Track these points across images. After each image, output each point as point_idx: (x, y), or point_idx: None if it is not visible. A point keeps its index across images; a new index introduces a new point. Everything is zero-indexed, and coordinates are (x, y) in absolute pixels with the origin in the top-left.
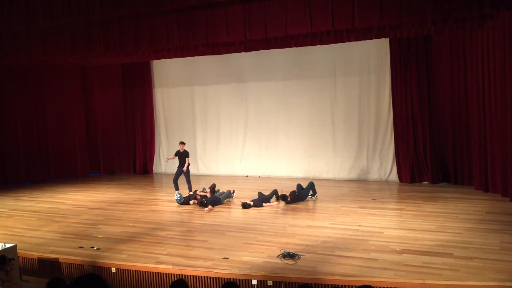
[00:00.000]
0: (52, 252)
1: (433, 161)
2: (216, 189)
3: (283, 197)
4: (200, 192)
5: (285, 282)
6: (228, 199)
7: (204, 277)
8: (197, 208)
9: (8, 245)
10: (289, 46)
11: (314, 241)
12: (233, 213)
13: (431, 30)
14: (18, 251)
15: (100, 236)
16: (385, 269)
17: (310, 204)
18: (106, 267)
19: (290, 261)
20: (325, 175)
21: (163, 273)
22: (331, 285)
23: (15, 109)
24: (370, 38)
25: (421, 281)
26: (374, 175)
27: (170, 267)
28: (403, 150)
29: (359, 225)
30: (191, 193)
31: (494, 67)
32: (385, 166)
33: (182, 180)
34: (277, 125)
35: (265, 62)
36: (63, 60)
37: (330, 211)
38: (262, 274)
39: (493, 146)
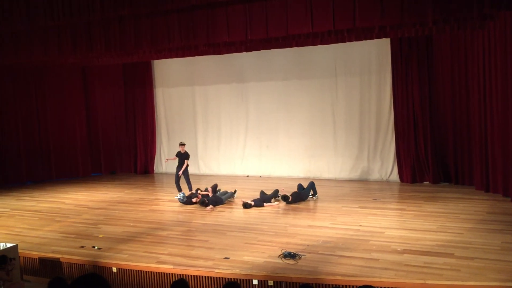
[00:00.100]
0: (53, 252)
1: (434, 161)
2: (217, 188)
3: (284, 198)
4: (202, 191)
5: (286, 282)
6: (230, 199)
7: (205, 277)
8: (198, 208)
9: (9, 245)
10: (290, 46)
11: (315, 241)
12: (234, 213)
13: (432, 30)
14: (19, 250)
15: (101, 235)
16: (386, 269)
17: (311, 204)
18: (107, 267)
19: (291, 261)
20: (326, 175)
21: (164, 273)
22: (332, 285)
23: (16, 109)
24: (371, 38)
25: (422, 281)
26: (375, 175)
27: (171, 267)
28: (404, 150)
29: (360, 225)
30: (193, 191)
31: (495, 67)
32: (386, 166)
33: (182, 180)
34: (278, 125)
35: (266, 62)
36: (64, 60)
37: (331, 211)
38: (263, 274)
39: (494, 146)
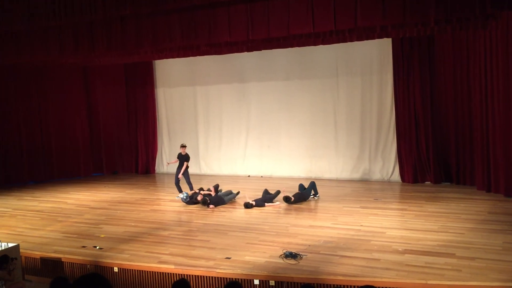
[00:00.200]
0: (54, 252)
1: (435, 161)
2: (219, 189)
3: (286, 199)
4: (204, 191)
5: (287, 282)
6: (232, 200)
7: (206, 277)
8: (199, 207)
9: (10, 245)
10: (292, 46)
11: (316, 241)
12: (235, 213)
13: (434, 29)
14: (21, 250)
15: (102, 235)
16: (387, 269)
17: (312, 204)
18: (109, 267)
19: (292, 261)
20: (327, 175)
21: (165, 273)
22: (333, 285)
23: (18, 109)
24: (373, 38)
25: (423, 281)
26: (376, 175)
27: (172, 266)
28: (406, 150)
29: (361, 225)
30: (196, 191)
31: (497, 67)
32: (387, 166)
33: (182, 181)
34: (279, 125)
35: (267, 62)
36: (65, 60)
37: (332, 211)
38: (264, 274)
39: (495, 146)
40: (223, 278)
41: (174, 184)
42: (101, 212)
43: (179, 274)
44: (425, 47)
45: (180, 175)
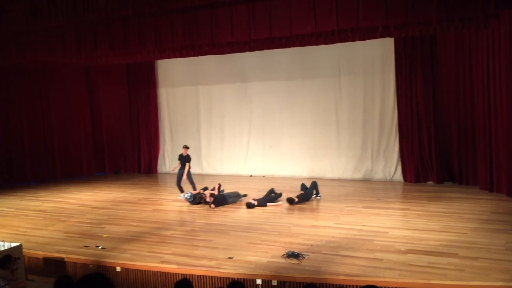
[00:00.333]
0: (57, 252)
1: (438, 161)
2: (221, 189)
3: (290, 201)
4: (209, 190)
5: (290, 282)
6: (235, 201)
7: (209, 276)
8: (202, 207)
9: (13, 244)
10: (294, 45)
11: (319, 241)
12: (237, 213)
13: (436, 29)
14: (24, 250)
15: (105, 235)
16: (389, 269)
17: (314, 203)
18: (111, 267)
19: (294, 261)
20: (329, 174)
21: (168, 273)
22: (336, 285)
23: (21, 108)
24: (375, 37)
25: (426, 281)
26: (378, 174)
27: (175, 266)
28: (408, 150)
29: (364, 225)
30: (201, 191)
31: (500, 67)
32: (389, 166)
33: (183, 181)
34: (281, 125)
35: (269, 62)
36: (68, 60)
37: (335, 211)
38: (267, 274)
39: (498, 146)
40: (226, 277)
41: (175, 184)
42: (104, 212)
43: (181, 273)
44: (427, 46)
45: (184, 176)
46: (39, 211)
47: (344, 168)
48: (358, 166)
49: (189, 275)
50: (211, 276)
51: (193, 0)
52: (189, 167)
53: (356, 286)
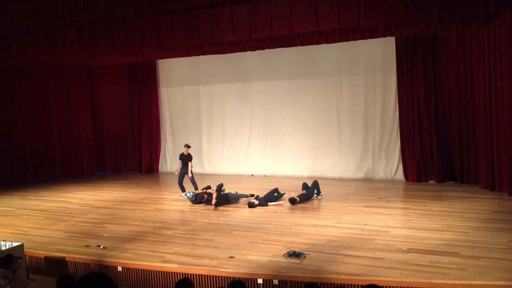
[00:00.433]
0: (58, 251)
1: (439, 160)
2: (222, 188)
3: (292, 201)
4: (210, 190)
5: (291, 281)
6: (236, 200)
7: (210, 276)
8: (203, 207)
9: (15, 244)
10: (295, 45)
11: (320, 240)
12: (238, 212)
13: (437, 28)
14: (25, 250)
15: (106, 235)
16: (391, 268)
17: (315, 203)
18: (112, 266)
19: (295, 260)
20: (330, 174)
21: (169, 272)
22: (337, 284)
23: (22, 108)
24: (376, 36)
25: (427, 281)
26: (380, 174)
27: (176, 266)
28: (409, 149)
29: (365, 224)
30: (201, 191)
31: (501, 66)
32: (391, 165)
33: (185, 180)
34: (282, 124)
35: (270, 61)
36: (69, 60)
37: (336, 210)
38: (268, 273)
39: (499, 145)
40: (227, 277)
41: (177, 183)
42: (105, 212)
43: (182, 273)
44: (428, 46)
45: (189, 175)
46: (41, 210)
47: (345, 168)
48: (360, 165)
49: (190, 274)
50: (212, 276)
51: (193, 0)
52: (191, 166)
53: (358, 285)
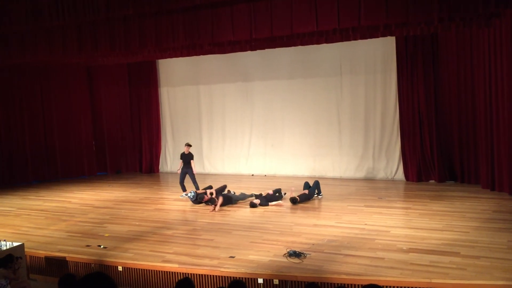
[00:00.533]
0: (59, 251)
1: (439, 160)
2: (226, 189)
3: (293, 200)
4: (209, 190)
5: (291, 281)
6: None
7: (210, 275)
8: (204, 207)
9: (15, 244)
10: (295, 44)
11: (320, 240)
12: (239, 212)
13: (437, 28)
14: (26, 249)
15: (106, 235)
16: (391, 268)
17: (316, 203)
18: (113, 266)
19: (296, 260)
20: (331, 174)
21: (169, 272)
22: (337, 284)
23: (22, 108)
24: (376, 36)
25: (428, 280)
26: (380, 173)
27: (176, 265)
28: (410, 149)
29: (365, 224)
30: (203, 191)
31: (501, 65)
32: (391, 165)
33: (186, 180)
34: (283, 124)
35: (271, 61)
36: (69, 60)
37: (336, 210)
38: (268, 273)
39: (500, 145)
40: (227, 277)
41: (177, 182)
42: (105, 211)
43: (183, 273)
44: (429, 46)
45: (194, 171)
46: (41, 210)
47: (345, 167)
48: (360, 165)
49: (191, 274)
50: (213, 275)
51: (193, 0)
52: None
53: (358, 285)
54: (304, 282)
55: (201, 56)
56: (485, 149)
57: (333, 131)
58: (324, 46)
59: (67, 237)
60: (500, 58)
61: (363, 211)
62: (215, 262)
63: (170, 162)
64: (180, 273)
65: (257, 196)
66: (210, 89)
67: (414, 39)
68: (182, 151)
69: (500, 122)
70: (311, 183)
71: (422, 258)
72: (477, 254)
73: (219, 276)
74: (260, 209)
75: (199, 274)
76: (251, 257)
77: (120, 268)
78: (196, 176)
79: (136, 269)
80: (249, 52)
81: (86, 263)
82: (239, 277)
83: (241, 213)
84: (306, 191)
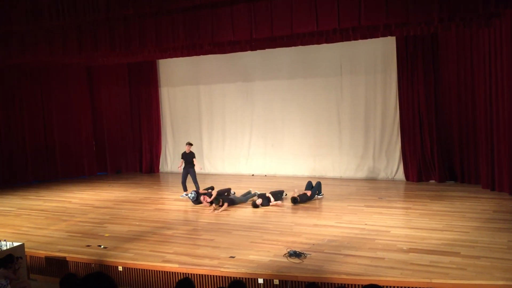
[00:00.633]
0: (59, 251)
1: (440, 160)
2: (231, 191)
3: (294, 200)
4: (210, 190)
5: (292, 281)
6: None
7: (210, 275)
8: (204, 207)
9: (15, 244)
10: (295, 44)
11: (321, 240)
12: (239, 212)
13: (437, 28)
14: (26, 249)
15: (107, 235)
16: (391, 268)
17: (316, 203)
18: (113, 266)
19: (296, 260)
20: (331, 174)
21: (169, 272)
22: (338, 284)
23: (22, 108)
24: (377, 36)
25: (428, 280)
26: (380, 174)
27: (176, 265)
28: (410, 149)
29: (366, 224)
30: (203, 191)
31: (501, 65)
32: (391, 165)
33: (188, 179)
34: (283, 124)
35: (271, 61)
36: (69, 60)
37: (337, 210)
38: (268, 273)
39: (500, 145)
40: (227, 277)
41: (178, 183)
42: (106, 211)
43: (183, 273)
44: (429, 46)
45: (200, 168)
46: (41, 210)
47: (346, 167)
48: (360, 165)
49: (191, 274)
50: (213, 275)
51: (193, 0)
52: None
53: (358, 285)
54: (305, 282)
55: (201, 56)
56: (485, 149)
57: (333, 131)
58: (324, 46)
59: (67, 237)
60: (500, 58)
61: (363, 211)
62: (215, 262)
63: (170, 162)
64: (180, 273)
65: (259, 196)
66: (210, 89)
67: (414, 39)
68: (182, 151)
69: (500, 122)
70: (313, 183)
71: (422, 258)
72: (477, 254)
73: (219, 276)
74: (260, 209)
75: (199, 274)
76: (251, 257)
77: (120, 268)
78: (197, 176)
79: (136, 269)
80: (249, 52)
81: (86, 263)
82: (239, 277)
83: (241, 213)
84: (308, 193)
